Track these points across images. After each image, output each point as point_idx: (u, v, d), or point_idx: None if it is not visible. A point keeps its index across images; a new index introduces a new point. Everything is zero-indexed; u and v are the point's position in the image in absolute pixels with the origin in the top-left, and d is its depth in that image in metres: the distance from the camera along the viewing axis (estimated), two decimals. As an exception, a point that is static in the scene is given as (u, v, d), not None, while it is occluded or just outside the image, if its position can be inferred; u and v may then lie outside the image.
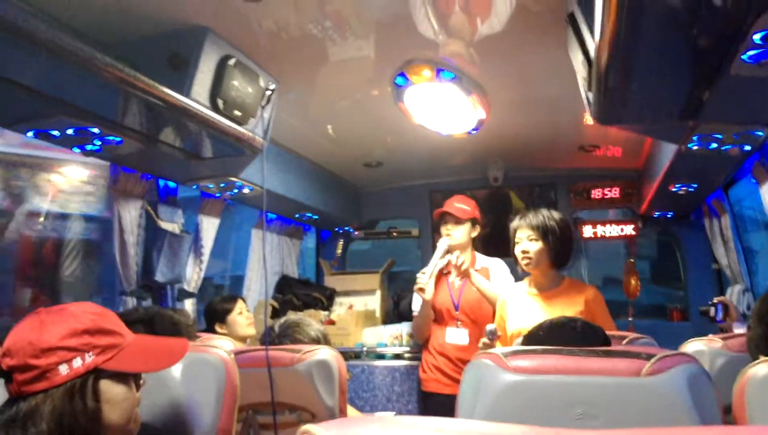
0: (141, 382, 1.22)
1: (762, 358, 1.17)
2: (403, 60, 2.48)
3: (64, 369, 1.07)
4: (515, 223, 2.59)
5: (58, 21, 1.92)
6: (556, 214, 2.57)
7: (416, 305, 3.20)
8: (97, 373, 1.11)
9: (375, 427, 0.49)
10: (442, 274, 3.17)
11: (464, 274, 2.99)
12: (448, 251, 3.11)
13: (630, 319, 3.88)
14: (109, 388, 1.12)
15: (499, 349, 1.24)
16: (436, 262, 3.02)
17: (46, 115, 2.06)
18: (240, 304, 3.07)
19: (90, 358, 1.10)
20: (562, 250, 2.54)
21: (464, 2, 2.05)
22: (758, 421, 1.05)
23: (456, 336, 3.09)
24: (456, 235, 3.11)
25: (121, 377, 1.15)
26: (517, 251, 2.55)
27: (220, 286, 7.96)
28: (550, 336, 1.38)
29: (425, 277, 2.96)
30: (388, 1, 2.05)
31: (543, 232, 2.50)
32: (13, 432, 1.04)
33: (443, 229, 3.15)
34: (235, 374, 1.48)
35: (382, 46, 2.36)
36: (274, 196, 3.31)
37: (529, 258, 2.50)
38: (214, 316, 3.01)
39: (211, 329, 3.01)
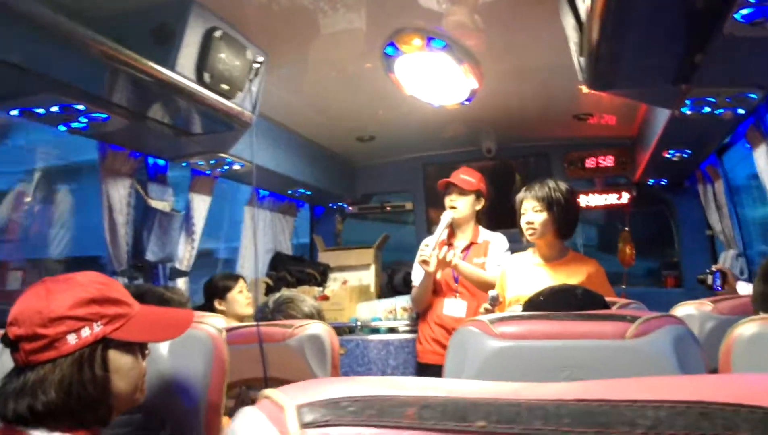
0: (147, 352, 1.21)
1: (754, 316, 1.16)
2: (392, 29, 2.45)
3: (72, 338, 1.07)
4: (521, 194, 2.57)
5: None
6: (562, 185, 2.55)
7: (416, 276, 3.19)
8: (105, 343, 1.10)
9: (337, 386, 0.48)
10: (444, 246, 3.15)
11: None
12: (451, 224, 3.10)
13: (623, 286, 3.89)
14: (117, 358, 1.12)
15: (485, 316, 1.24)
16: (439, 234, 2.99)
17: (30, 93, 2.03)
18: (241, 282, 3.07)
19: (98, 328, 1.10)
20: (567, 221, 2.53)
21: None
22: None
23: (454, 307, 3.09)
24: (460, 206, 3.09)
25: (128, 347, 1.14)
26: (522, 222, 2.54)
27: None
28: (550, 302, 1.38)
29: (428, 249, 2.94)
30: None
31: (548, 203, 2.49)
32: (21, 401, 1.04)
33: (447, 200, 3.12)
34: (223, 350, 1.47)
35: (372, 16, 2.33)
36: (265, 172, 3.28)
37: (534, 229, 2.50)
38: (214, 291, 3.00)
39: (209, 304, 3.00)
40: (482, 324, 1.18)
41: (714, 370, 1.19)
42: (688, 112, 2.26)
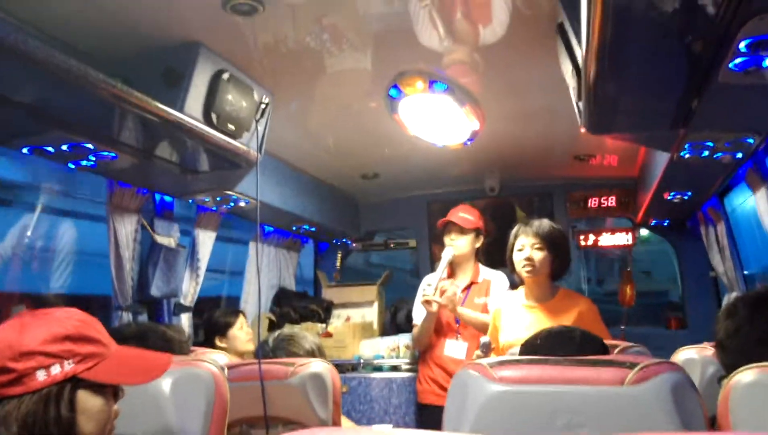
0: (121, 394, 1.18)
1: (752, 364, 1.16)
2: (396, 72, 2.50)
3: (41, 375, 1.04)
4: (517, 229, 2.58)
5: (52, 38, 1.94)
6: (556, 226, 2.58)
7: (417, 315, 3.19)
8: (75, 382, 1.08)
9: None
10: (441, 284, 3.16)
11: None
12: (452, 262, 3.11)
13: (623, 327, 3.88)
14: (85, 399, 1.09)
15: (484, 359, 1.24)
16: (441, 272, 3.01)
17: (41, 132, 2.07)
18: (241, 319, 3.08)
19: (69, 366, 1.07)
20: (563, 262, 2.55)
21: (458, 14, 2.06)
22: (741, 428, 1.05)
23: (455, 349, 3.08)
24: (459, 244, 3.11)
25: (99, 388, 1.12)
26: (519, 258, 2.53)
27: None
28: (547, 345, 1.39)
29: (431, 289, 2.95)
30: (382, 12, 2.07)
31: (549, 241, 2.50)
32: None
33: (447, 239, 3.14)
34: (224, 388, 1.47)
35: (376, 59, 2.38)
36: (270, 209, 3.31)
37: (533, 266, 2.50)
38: (215, 328, 3.01)
39: (210, 342, 3.00)
40: (482, 368, 1.19)
41: (713, 417, 1.19)
42: (687, 156, 2.28)
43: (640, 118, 1.94)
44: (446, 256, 3.07)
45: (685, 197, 3.17)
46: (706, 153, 2.25)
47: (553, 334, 1.41)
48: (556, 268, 2.53)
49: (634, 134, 2.34)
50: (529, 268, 2.51)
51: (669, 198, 3.20)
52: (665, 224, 4.01)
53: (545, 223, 2.55)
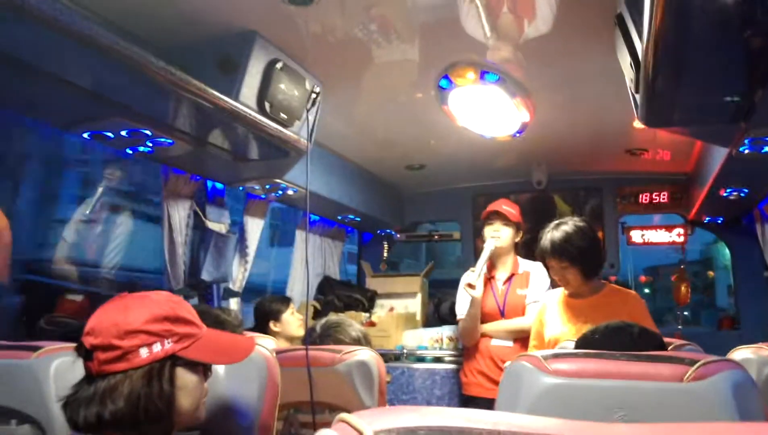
0: (209, 373, 1.26)
1: None
2: (447, 63, 2.49)
3: (144, 352, 1.11)
4: (542, 248, 2.53)
5: (114, 25, 2.00)
6: (582, 226, 2.51)
7: (460, 309, 3.18)
8: (173, 360, 1.15)
9: (411, 416, 0.50)
10: (486, 279, 3.15)
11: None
12: (492, 254, 3.10)
13: (679, 326, 3.80)
14: (183, 375, 1.17)
15: (539, 351, 1.24)
16: (483, 262, 3.01)
17: (101, 117, 2.14)
18: (292, 305, 3.15)
19: (169, 345, 1.14)
20: (593, 264, 2.51)
21: (511, 4, 2.04)
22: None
23: (501, 339, 3.08)
24: (503, 235, 3.10)
25: (193, 366, 1.19)
26: (552, 276, 2.60)
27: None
28: (605, 340, 1.37)
29: (474, 275, 2.96)
30: (433, 3, 2.07)
31: (570, 258, 2.46)
32: (90, 409, 1.08)
33: (489, 230, 3.12)
34: (277, 373, 1.50)
35: (426, 49, 2.37)
36: (317, 198, 3.35)
37: (567, 282, 2.53)
38: (268, 313, 3.08)
39: (262, 326, 3.06)
40: (536, 360, 1.19)
41: (774, 418, 1.16)
42: (746, 151, 2.22)
43: (698, 112, 1.89)
44: (488, 246, 3.06)
45: (742, 194, 3.08)
46: (766, 149, 2.19)
47: (610, 328, 1.39)
48: (586, 270, 2.49)
49: (692, 129, 2.28)
50: (563, 284, 2.55)
51: (725, 195, 3.11)
52: (719, 222, 3.90)
53: (558, 238, 2.47)
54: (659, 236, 4.07)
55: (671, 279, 4.11)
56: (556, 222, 2.56)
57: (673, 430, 0.49)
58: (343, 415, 0.51)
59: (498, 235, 3.09)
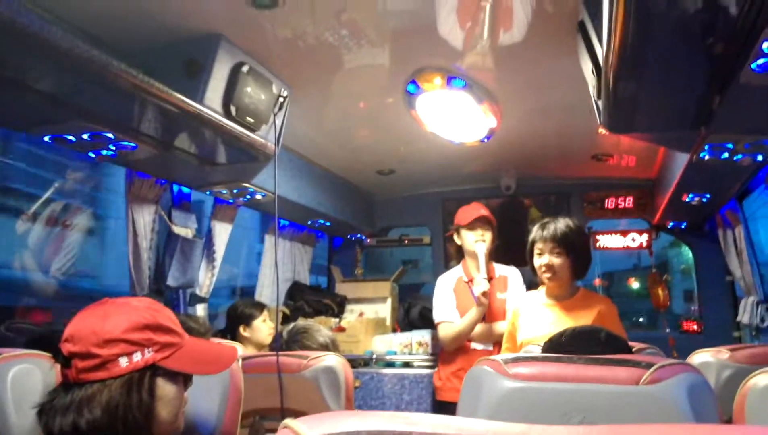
0: (189, 383, 1.24)
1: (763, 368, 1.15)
2: (414, 68, 2.50)
3: (124, 361, 1.09)
4: (535, 234, 2.53)
5: (74, 28, 1.96)
6: (577, 225, 2.53)
7: (440, 313, 3.16)
8: (153, 370, 1.13)
9: (353, 420, 0.50)
10: (464, 283, 3.15)
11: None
12: (469, 258, 3.11)
13: (667, 330, 3.86)
14: (162, 386, 1.14)
15: (499, 355, 1.24)
16: (484, 265, 3.01)
17: (62, 120, 2.09)
18: (265, 312, 3.10)
19: (149, 354, 1.12)
20: (583, 263, 2.51)
21: (478, 11, 2.06)
22: (757, 431, 1.04)
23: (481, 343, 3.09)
24: (487, 239, 3.10)
25: (174, 376, 1.17)
26: (538, 264, 2.49)
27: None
28: (572, 343, 1.38)
29: (486, 282, 2.95)
30: (401, 9, 2.07)
31: (567, 245, 2.46)
32: (67, 417, 1.06)
33: (474, 235, 3.10)
34: (239, 380, 1.49)
35: (394, 55, 2.38)
36: (287, 203, 3.33)
37: (553, 271, 2.47)
38: (240, 318, 3.02)
39: (232, 330, 3.02)
40: (496, 363, 1.19)
41: (729, 420, 1.18)
42: (707, 157, 2.26)
43: (659, 118, 1.92)
44: (480, 250, 3.05)
45: (704, 200, 3.15)
46: (726, 155, 2.24)
47: (578, 332, 1.40)
48: (576, 269, 2.50)
49: (653, 134, 2.33)
50: (549, 274, 2.48)
51: (687, 200, 3.17)
52: (683, 226, 3.97)
53: (561, 225, 2.49)
54: (624, 241, 4.14)
55: (627, 282, 4.19)
56: (554, 218, 2.56)
57: (627, 432, 0.49)
58: (287, 421, 0.51)
59: (483, 239, 3.10)
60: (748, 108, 1.75)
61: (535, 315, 2.53)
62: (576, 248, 2.47)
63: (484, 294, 2.93)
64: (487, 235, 3.10)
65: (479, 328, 3.03)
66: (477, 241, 3.07)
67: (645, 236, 4.12)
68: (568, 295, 2.52)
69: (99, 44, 1.82)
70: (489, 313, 3.05)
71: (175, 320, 1.21)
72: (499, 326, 3.00)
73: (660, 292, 4.07)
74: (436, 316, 3.17)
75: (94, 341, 1.08)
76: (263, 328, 3.04)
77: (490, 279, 3.10)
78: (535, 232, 2.54)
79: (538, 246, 2.50)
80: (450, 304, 3.12)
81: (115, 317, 1.11)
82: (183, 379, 1.20)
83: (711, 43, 1.48)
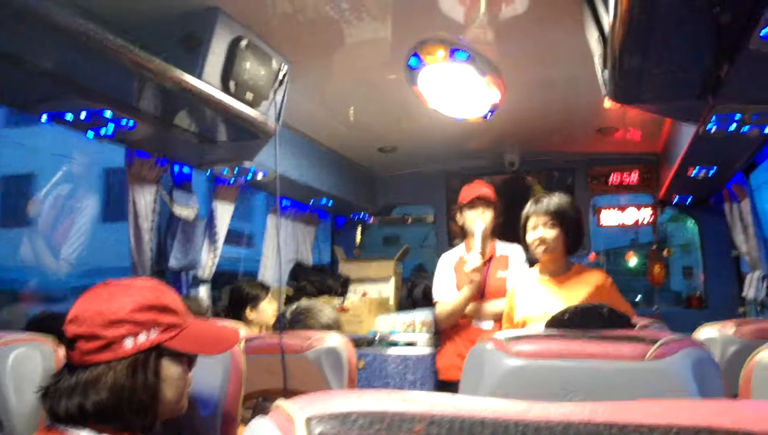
0: (193, 364, 1.23)
1: None
2: (416, 41, 2.46)
3: (129, 342, 1.09)
4: (528, 208, 2.54)
5: (71, 3, 1.92)
6: (568, 199, 2.53)
7: (440, 292, 3.15)
8: (158, 350, 1.13)
9: (347, 400, 0.48)
10: (465, 262, 3.14)
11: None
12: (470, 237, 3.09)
13: (655, 307, 3.84)
14: (167, 366, 1.14)
15: (501, 333, 1.23)
16: (479, 243, 2.99)
17: (59, 98, 2.07)
18: (271, 293, 3.09)
19: (154, 335, 1.12)
20: (576, 236, 2.51)
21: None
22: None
23: (483, 321, 3.08)
24: (488, 218, 3.09)
25: (178, 357, 1.17)
26: (531, 238, 2.50)
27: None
28: (575, 320, 1.37)
29: (479, 258, 2.93)
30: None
31: (560, 218, 2.46)
32: (72, 399, 1.06)
33: (474, 214, 3.09)
34: (241, 360, 1.47)
35: (396, 27, 2.34)
36: (288, 181, 3.30)
37: (546, 245, 2.47)
38: (245, 299, 3.00)
39: (236, 312, 3.00)
40: (498, 341, 1.17)
41: (734, 396, 1.16)
42: (714, 129, 2.23)
43: (666, 88, 1.88)
44: (479, 228, 3.04)
45: (710, 173, 3.11)
46: (733, 126, 2.20)
47: (580, 310, 1.39)
48: (570, 243, 2.50)
49: (660, 106, 2.28)
50: (542, 247, 2.48)
51: (693, 174, 3.13)
52: (688, 201, 3.94)
53: (555, 199, 2.50)
54: (628, 217, 4.10)
55: (624, 258, 4.17)
56: (548, 193, 2.58)
57: (631, 408, 0.48)
58: (279, 402, 0.49)
59: (483, 218, 3.08)
60: (757, 77, 1.72)
61: (531, 292, 2.52)
62: (569, 221, 2.47)
63: (473, 270, 2.92)
64: (487, 214, 3.09)
65: (478, 306, 3.02)
66: (477, 220, 3.07)
67: (649, 211, 4.08)
68: (563, 271, 2.52)
69: (95, 19, 1.78)
70: (489, 292, 3.04)
71: (178, 301, 1.21)
72: (501, 304, 3.00)
73: (657, 268, 4.06)
74: (435, 295, 3.18)
75: (99, 322, 1.08)
76: (268, 309, 3.04)
77: (489, 258, 3.09)
78: (528, 207, 2.55)
79: (532, 220, 2.50)
80: (449, 282, 3.12)
81: (120, 298, 1.11)
82: (187, 360, 1.20)
83: (719, 10, 1.44)
